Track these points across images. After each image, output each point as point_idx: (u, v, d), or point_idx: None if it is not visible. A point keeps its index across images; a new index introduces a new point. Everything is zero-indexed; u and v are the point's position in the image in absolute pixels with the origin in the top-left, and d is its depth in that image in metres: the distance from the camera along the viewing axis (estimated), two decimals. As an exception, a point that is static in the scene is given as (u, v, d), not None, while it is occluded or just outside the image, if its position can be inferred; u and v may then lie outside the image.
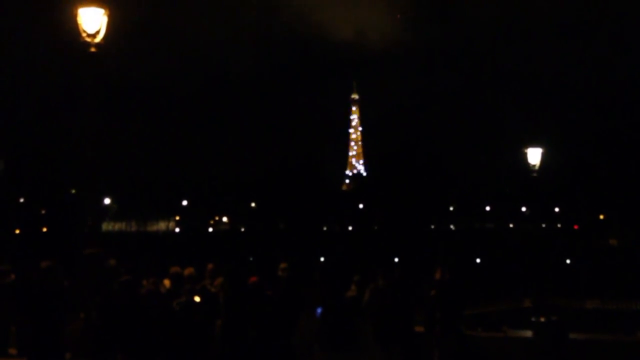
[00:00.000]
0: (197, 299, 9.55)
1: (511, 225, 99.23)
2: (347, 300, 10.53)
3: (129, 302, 8.81)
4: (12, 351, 10.57)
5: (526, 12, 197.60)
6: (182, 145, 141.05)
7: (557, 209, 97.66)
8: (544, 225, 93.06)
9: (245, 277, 10.03)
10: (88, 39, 10.51)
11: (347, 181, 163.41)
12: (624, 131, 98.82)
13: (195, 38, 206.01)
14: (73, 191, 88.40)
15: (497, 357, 12.49)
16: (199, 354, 9.36)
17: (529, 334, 12.83)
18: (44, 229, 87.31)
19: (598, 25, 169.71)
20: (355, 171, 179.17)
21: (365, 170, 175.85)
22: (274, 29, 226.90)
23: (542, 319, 12.62)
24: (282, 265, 10.95)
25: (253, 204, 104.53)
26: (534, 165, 17.43)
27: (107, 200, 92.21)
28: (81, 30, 10.51)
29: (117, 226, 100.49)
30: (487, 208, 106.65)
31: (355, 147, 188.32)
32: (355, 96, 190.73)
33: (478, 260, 77.28)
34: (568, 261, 70.88)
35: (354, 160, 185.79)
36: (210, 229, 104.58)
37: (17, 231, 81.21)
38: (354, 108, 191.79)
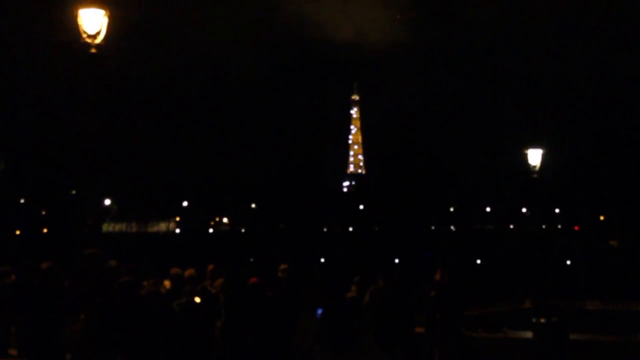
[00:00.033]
0: (197, 299, 9.55)
1: (511, 226, 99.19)
2: (347, 301, 10.54)
3: (129, 303, 8.80)
4: (13, 352, 10.56)
5: (526, 12, 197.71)
6: (182, 145, 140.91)
7: (557, 210, 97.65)
8: (544, 226, 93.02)
9: (245, 278, 10.04)
10: (88, 40, 10.52)
11: (347, 182, 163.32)
12: (625, 132, 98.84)
13: (195, 38, 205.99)
14: (73, 192, 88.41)
15: (497, 358, 12.48)
16: (200, 355, 9.35)
17: (529, 334, 12.82)
18: (44, 230, 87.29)
19: (598, 25, 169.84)
20: (355, 172, 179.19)
21: (366, 170, 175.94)
22: (274, 30, 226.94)
23: (543, 320, 12.62)
24: (282, 267, 10.95)
25: (253, 205, 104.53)
26: (535, 166, 17.48)
27: (107, 201, 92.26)
28: (82, 31, 10.53)
29: (118, 227, 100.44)
30: (488, 209, 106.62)
31: (355, 148, 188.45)
32: (355, 97, 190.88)
33: (478, 261, 77.24)
34: (568, 262, 70.86)
35: (353, 162, 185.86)
36: (211, 230, 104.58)
37: (18, 232, 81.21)
38: (354, 109, 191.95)
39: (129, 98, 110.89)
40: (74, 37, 10.65)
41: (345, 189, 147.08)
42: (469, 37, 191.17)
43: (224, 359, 9.69)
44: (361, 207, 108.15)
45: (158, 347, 9.00)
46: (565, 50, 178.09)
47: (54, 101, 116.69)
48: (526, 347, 12.42)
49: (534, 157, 17.43)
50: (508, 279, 50.88)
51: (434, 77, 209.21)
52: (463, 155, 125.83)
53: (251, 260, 62.64)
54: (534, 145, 17.47)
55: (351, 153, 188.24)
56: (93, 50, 10.53)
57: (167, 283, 10.16)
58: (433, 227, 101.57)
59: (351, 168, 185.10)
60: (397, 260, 65.94)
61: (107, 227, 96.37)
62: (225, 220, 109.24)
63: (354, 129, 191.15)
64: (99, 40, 10.55)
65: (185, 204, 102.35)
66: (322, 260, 72.18)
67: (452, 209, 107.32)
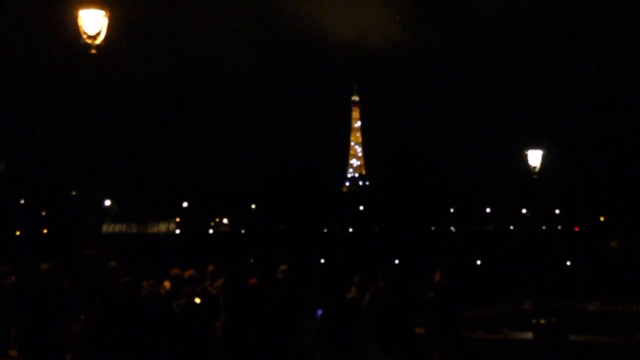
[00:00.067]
0: (197, 300, 9.55)
1: (512, 227, 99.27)
2: (347, 302, 10.53)
3: (129, 303, 8.80)
4: (13, 353, 10.56)
5: (526, 12, 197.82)
6: (182, 146, 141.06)
7: (557, 211, 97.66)
8: (544, 227, 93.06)
9: (245, 279, 10.04)
10: (89, 41, 10.52)
11: (347, 183, 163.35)
12: (625, 133, 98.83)
13: (195, 39, 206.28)
14: (73, 192, 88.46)
15: (497, 359, 12.48)
16: (199, 355, 9.35)
17: (529, 336, 12.83)
18: (45, 231, 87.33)
19: (598, 25, 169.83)
20: (356, 173, 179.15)
21: (366, 172, 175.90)
22: (274, 30, 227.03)
23: (543, 321, 12.62)
24: (282, 267, 10.95)
25: (253, 206, 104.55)
26: (535, 167, 17.45)
27: (107, 202, 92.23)
28: (82, 32, 10.53)
29: (118, 228, 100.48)
30: (488, 210, 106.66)
31: (356, 149, 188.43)
32: (355, 98, 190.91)
33: (478, 262, 77.24)
34: (568, 263, 70.84)
35: (354, 162, 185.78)
36: (211, 231, 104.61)
37: (18, 232, 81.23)
38: (354, 110, 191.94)
39: (129, 98, 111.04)
40: (74, 37, 10.65)
41: (345, 190, 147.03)
42: (469, 38, 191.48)
43: (223, 359, 9.69)
44: (361, 207, 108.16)
45: (158, 348, 9.00)
46: (565, 50, 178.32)
47: (54, 101, 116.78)
48: (526, 348, 12.43)
49: (534, 158, 17.41)
50: (508, 280, 50.89)
51: (434, 77, 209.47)
52: (463, 156, 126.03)
53: (251, 260, 62.67)
54: (534, 146, 17.46)
55: (354, 153, 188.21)
56: (93, 51, 10.53)
57: (167, 284, 10.15)
58: (433, 228, 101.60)
59: (351, 169, 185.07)
60: (397, 261, 65.96)
61: (107, 228, 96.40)
62: (225, 221, 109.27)
63: (354, 130, 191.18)
64: (99, 40, 10.56)
65: (185, 204, 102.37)
66: (322, 260, 72.15)
67: (452, 210, 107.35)
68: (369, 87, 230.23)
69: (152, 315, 8.99)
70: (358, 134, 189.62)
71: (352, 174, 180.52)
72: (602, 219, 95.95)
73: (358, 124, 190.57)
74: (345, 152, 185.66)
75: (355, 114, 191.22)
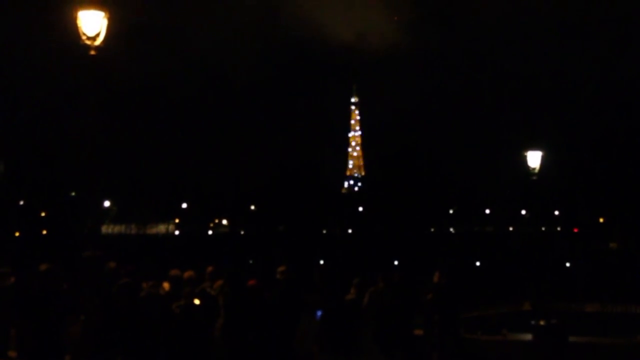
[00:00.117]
0: (196, 301, 9.55)
1: (511, 228, 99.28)
2: (346, 303, 10.53)
3: (129, 304, 8.80)
4: (12, 354, 10.56)
5: (526, 12, 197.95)
6: (181, 147, 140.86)
7: (557, 212, 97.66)
8: (543, 228, 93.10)
9: (244, 280, 10.04)
10: (88, 42, 10.53)
11: (347, 184, 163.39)
12: (624, 133, 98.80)
13: (194, 39, 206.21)
14: (73, 193, 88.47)
15: (497, 360, 12.49)
16: (199, 356, 9.36)
17: (528, 337, 12.83)
18: (44, 232, 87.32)
19: (598, 25, 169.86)
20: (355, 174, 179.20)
21: (365, 173, 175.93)
22: (273, 32, 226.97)
23: (542, 322, 12.62)
24: (281, 269, 10.94)
25: (253, 207, 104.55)
26: (534, 168, 17.48)
27: (106, 203, 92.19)
28: (81, 33, 10.54)
29: (117, 229, 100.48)
30: (487, 211, 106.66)
31: (356, 149, 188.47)
32: (355, 99, 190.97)
33: (478, 263, 77.24)
34: (568, 264, 70.84)
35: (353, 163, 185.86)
36: (210, 232, 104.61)
37: (17, 233, 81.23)
38: (354, 111, 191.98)
39: (129, 99, 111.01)
40: (74, 38, 10.67)
41: (344, 191, 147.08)
42: (469, 39, 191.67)
43: (223, 361, 9.69)
44: (360, 209, 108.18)
45: (157, 349, 9.01)
46: (565, 50, 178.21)
47: (54, 102, 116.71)
48: (525, 350, 12.44)
49: (534, 159, 17.43)
50: (507, 281, 50.86)
51: (434, 78, 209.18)
52: (462, 157, 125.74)
53: (250, 262, 62.63)
54: (534, 147, 17.48)
55: (353, 154, 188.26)
56: (92, 52, 10.54)
57: (166, 285, 10.14)
58: (432, 229, 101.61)
59: (350, 170, 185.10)
60: (396, 262, 65.95)
61: (106, 229, 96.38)
62: (224, 222, 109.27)
63: (353, 131, 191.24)
64: (98, 42, 10.57)
65: (184, 205, 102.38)
66: (322, 262, 72.14)
67: (451, 211, 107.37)
68: (369, 88, 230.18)
69: (151, 316, 9.00)
70: (358, 135, 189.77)
71: (351, 175, 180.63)
72: (601, 220, 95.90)
73: (357, 125, 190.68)
74: (344, 153, 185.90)
75: (355, 115, 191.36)
